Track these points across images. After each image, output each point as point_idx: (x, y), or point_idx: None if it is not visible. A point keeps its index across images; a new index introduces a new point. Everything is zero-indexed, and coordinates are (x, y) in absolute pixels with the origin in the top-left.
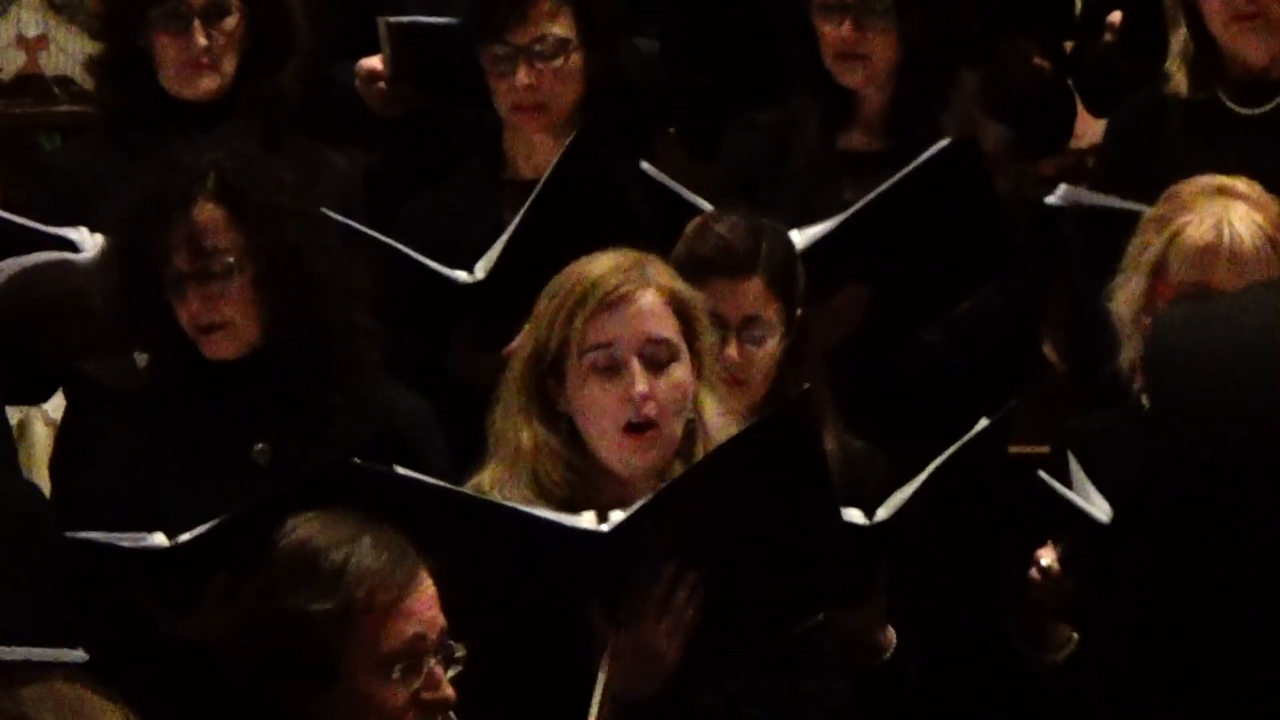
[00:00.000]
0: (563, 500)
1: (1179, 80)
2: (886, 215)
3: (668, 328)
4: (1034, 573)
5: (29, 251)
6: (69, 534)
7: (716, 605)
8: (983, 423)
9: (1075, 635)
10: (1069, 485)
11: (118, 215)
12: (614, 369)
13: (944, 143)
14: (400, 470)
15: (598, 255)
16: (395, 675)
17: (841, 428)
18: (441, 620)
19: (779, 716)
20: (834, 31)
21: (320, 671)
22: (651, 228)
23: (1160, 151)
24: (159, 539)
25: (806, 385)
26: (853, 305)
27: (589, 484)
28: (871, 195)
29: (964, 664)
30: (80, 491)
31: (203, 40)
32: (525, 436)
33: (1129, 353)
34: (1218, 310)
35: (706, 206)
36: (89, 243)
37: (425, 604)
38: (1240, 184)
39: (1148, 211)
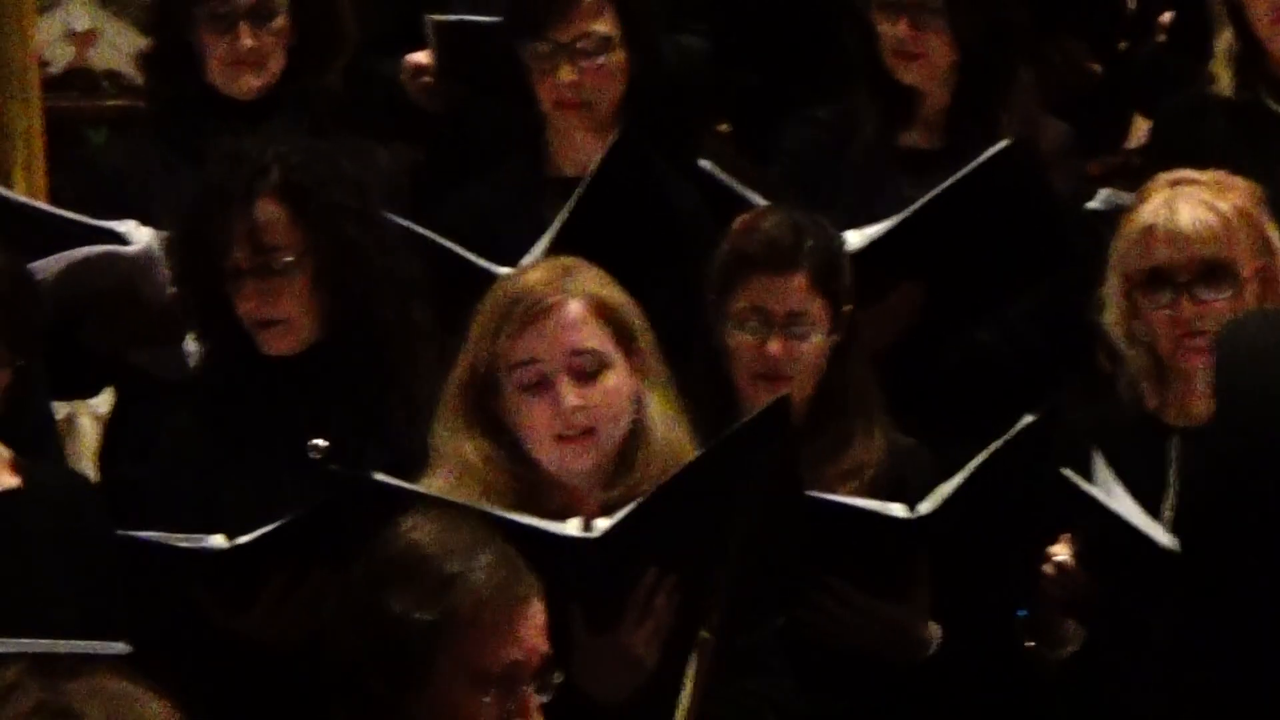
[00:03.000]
0: (511, 508)
1: (1224, 81)
2: (943, 215)
3: (594, 337)
4: (1048, 568)
5: (78, 245)
6: (125, 533)
7: (692, 608)
8: (1027, 419)
9: (1081, 633)
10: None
11: (180, 205)
12: (542, 385)
13: (1002, 143)
14: (380, 476)
15: (526, 267)
16: (488, 696)
17: (890, 425)
18: (544, 647)
19: (726, 713)
20: (891, 29)
21: (412, 675)
22: (697, 225)
23: (1204, 152)
24: (218, 540)
25: (784, 392)
26: (908, 303)
27: (537, 492)
28: (929, 195)
29: (985, 660)
30: (133, 484)
31: (249, 41)
32: (469, 450)
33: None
34: None
35: (762, 203)
36: (137, 235)
37: (530, 630)
38: (1203, 174)
39: None
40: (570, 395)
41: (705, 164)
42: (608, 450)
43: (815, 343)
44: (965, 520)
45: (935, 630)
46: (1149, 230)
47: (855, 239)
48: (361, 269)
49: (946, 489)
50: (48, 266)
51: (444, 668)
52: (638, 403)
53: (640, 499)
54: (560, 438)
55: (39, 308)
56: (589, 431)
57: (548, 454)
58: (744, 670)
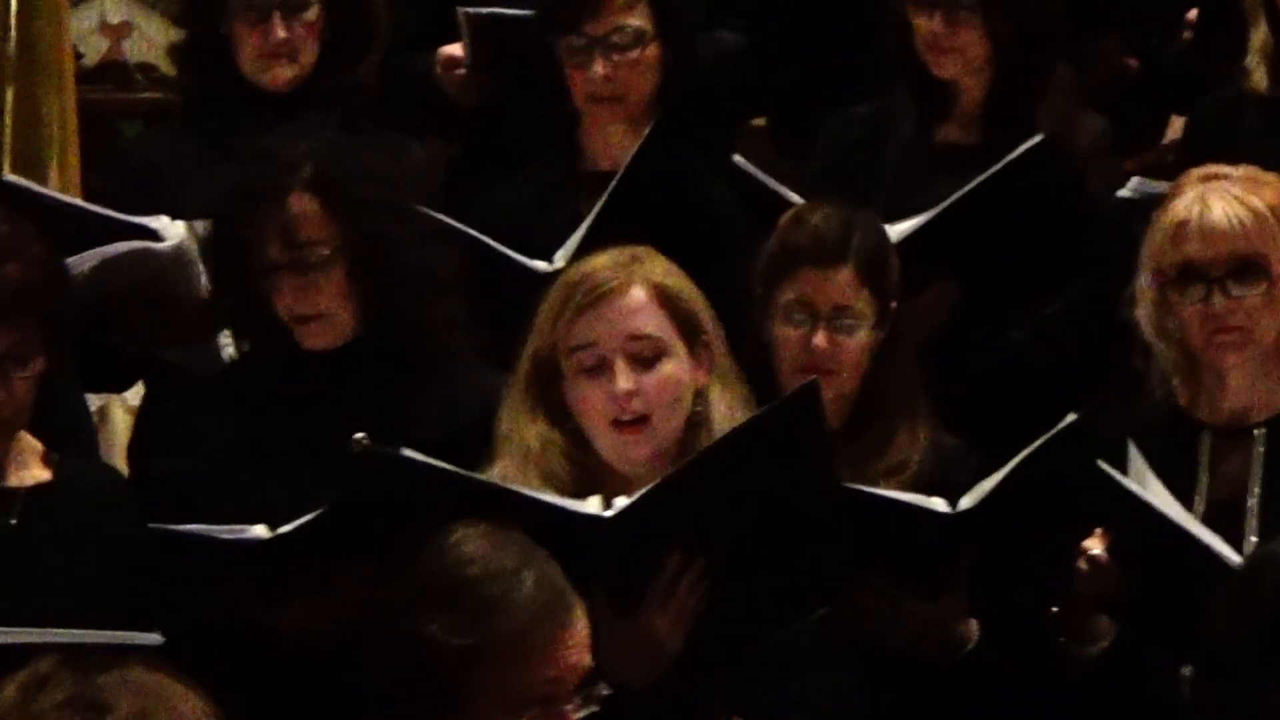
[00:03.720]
0: (570, 494)
1: (1258, 77)
2: (977, 211)
3: (654, 324)
4: (1081, 563)
5: (111, 241)
6: (162, 526)
7: (721, 594)
8: (1069, 418)
9: (1113, 628)
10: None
11: (211, 203)
12: (599, 368)
13: (1035, 139)
14: (408, 452)
15: (595, 253)
16: (526, 718)
17: (935, 423)
18: (586, 662)
19: (783, 708)
20: (926, 24)
21: (448, 698)
22: (732, 220)
23: (1239, 148)
24: (259, 530)
25: (814, 379)
26: (943, 300)
27: (594, 479)
28: (961, 191)
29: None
30: (166, 478)
31: (282, 32)
32: (531, 435)
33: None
34: None
35: (797, 199)
36: (170, 231)
37: (571, 650)
38: (1235, 169)
39: None
40: (624, 379)
41: (740, 160)
42: (664, 441)
43: (861, 338)
44: (1004, 518)
45: (973, 628)
46: (1181, 225)
47: (890, 234)
48: (396, 262)
49: (987, 485)
50: (81, 262)
51: (481, 692)
52: (701, 396)
53: (660, 478)
54: (616, 425)
55: (72, 298)
56: (643, 419)
57: (605, 441)
58: (803, 664)
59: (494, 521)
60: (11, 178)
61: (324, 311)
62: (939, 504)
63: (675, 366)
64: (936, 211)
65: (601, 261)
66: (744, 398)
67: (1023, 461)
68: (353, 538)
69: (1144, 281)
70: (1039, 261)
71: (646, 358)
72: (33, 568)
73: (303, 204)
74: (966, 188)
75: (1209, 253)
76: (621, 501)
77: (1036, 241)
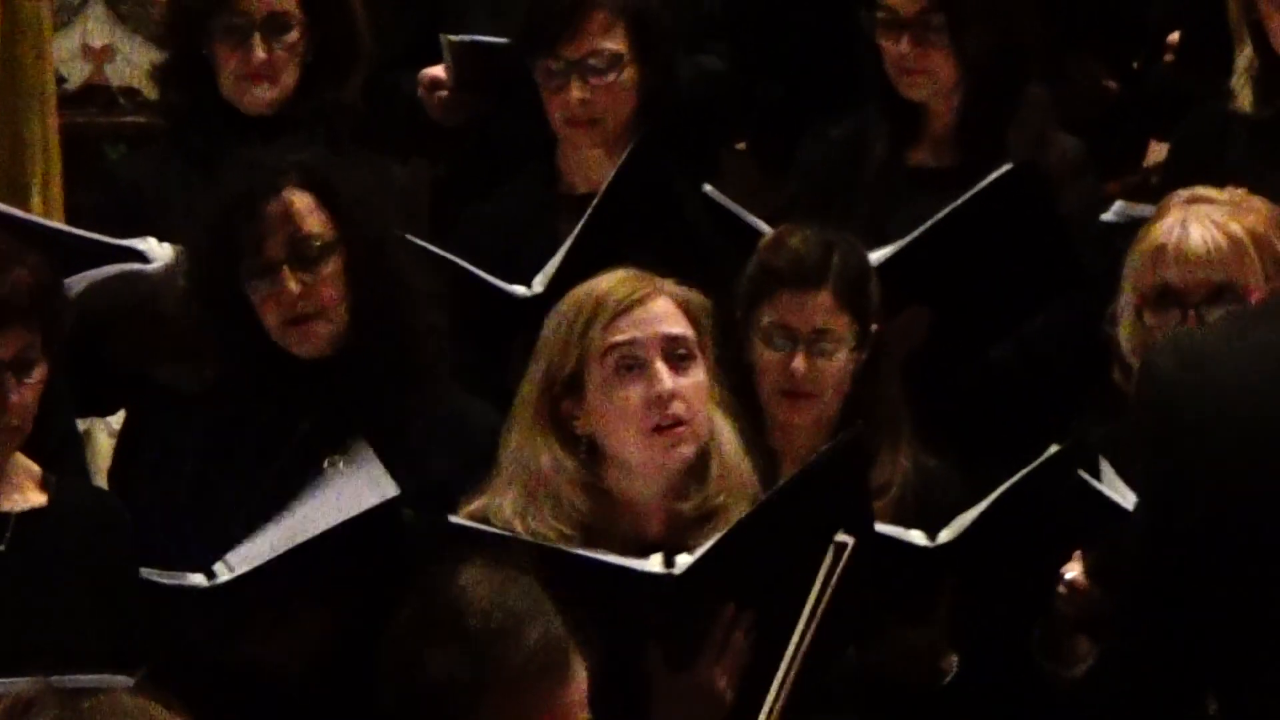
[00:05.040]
0: (583, 527)
1: (1243, 98)
2: (948, 238)
3: (684, 327)
4: (1061, 586)
5: (99, 264)
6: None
7: (766, 645)
8: (1053, 449)
9: (1094, 650)
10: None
11: (202, 214)
12: (638, 368)
13: (1006, 167)
14: (458, 519)
15: (601, 275)
16: None
17: (918, 447)
18: (583, 715)
19: None
20: (894, 47)
21: None
22: (709, 245)
23: (1225, 170)
24: (198, 579)
25: (860, 423)
26: (915, 325)
27: (606, 511)
28: (933, 219)
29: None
30: (143, 502)
31: (262, 53)
32: (545, 460)
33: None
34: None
35: (767, 229)
36: (158, 253)
37: (569, 708)
38: (1221, 192)
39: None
40: (667, 379)
41: (709, 190)
42: (695, 450)
43: (840, 360)
44: (985, 549)
45: (953, 658)
46: (1160, 249)
47: None
48: (388, 263)
49: (967, 518)
50: (71, 287)
51: None
52: (709, 418)
53: (720, 534)
54: (654, 430)
55: (68, 311)
56: (680, 423)
57: (637, 450)
58: (815, 707)
59: (507, 567)
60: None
61: (325, 307)
62: (917, 536)
63: (703, 374)
64: (908, 239)
65: (618, 277)
66: (740, 429)
67: (1004, 494)
68: (300, 586)
69: (1125, 301)
70: (1012, 285)
71: (682, 358)
72: (19, 596)
73: (298, 197)
74: (938, 215)
75: (1186, 278)
76: (685, 559)
77: (1010, 265)
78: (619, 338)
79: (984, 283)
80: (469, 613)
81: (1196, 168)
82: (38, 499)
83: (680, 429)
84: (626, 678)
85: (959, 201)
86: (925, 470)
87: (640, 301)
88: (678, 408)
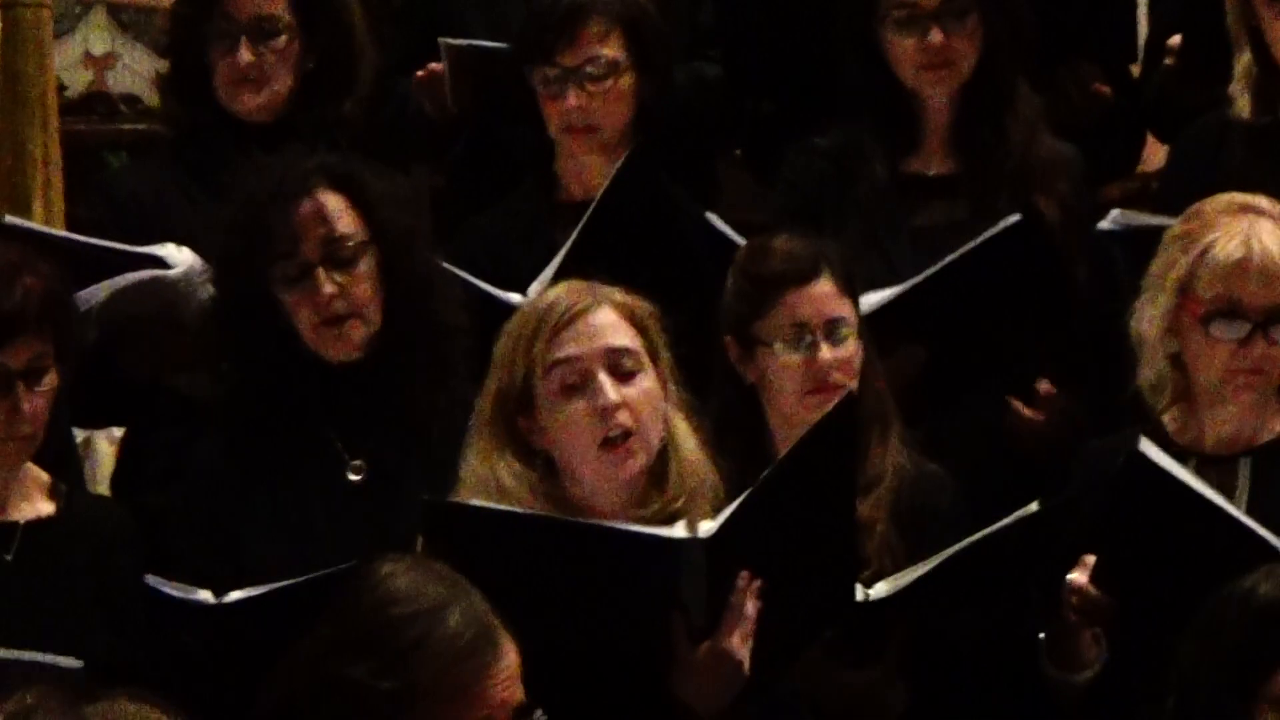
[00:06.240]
0: None
1: (1242, 104)
2: (949, 284)
3: (628, 339)
4: (1067, 592)
5: (122, 271)
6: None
7: (771, 614)
8: (1031, 508)
9: (1102, 656)
10: None
11: (226, 220)
12: (582, 384)
13: (1013, 218)
14: (474, 502)
15: (548, 289)
16: None
17: (911, 443)
18: (517, 696)
19: None
20: (918, 42)
21: None
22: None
23: (1223, 176)
24: (205, 595)
25: (852, 387)
26: (910, 363)
27: (569, 514)
28: (936, 266)
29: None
30: (156, 512)
31: (248, 56)
32: (505, 475)
33: (1149, 372)
34: None
35: None
36: (178, 259)
37: (499, 686)
38: (1263, 201)
39: (1170, 230)
40: (611, 391)
41: (712, 217)
42: (647, 459)
43: (853, 347)
44: (936, 603)
45: (903, 696)
46: (1241, 265)
47: (862, 304)
48: (419, 261)
49: (910, 575)
50: (94, 294)
51: None
52: (666, 422)
53: (741, 498)
54: (602, 445)
55: (81, 321)
56: (628, 435)
57: (589, 465)
58: None
59: (418, 556)
60: (14, 220)
61: (359, 308)
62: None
63: (652, 381)
64: (910, 284)
65: (562, 289)
66: (700, 431)
67: (959, 553)
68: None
69: (1164, 302)
70: (1009, 329)
71: (626, 370)
72: (25, 605)
73: (329, 198)
74: (942, 262)
75: (1265, 293)
76: (709, 525)
77: (1008, 312)
78: (560, 354)
79: (982, 327)
80: (386, 613)
81: (1195, 175)
82: (46, 508)
83: (629, 442)
84: (648, 651)
85: (963, 250)
86: (924, 473)
87: (581, 314)
88: (624, 418)
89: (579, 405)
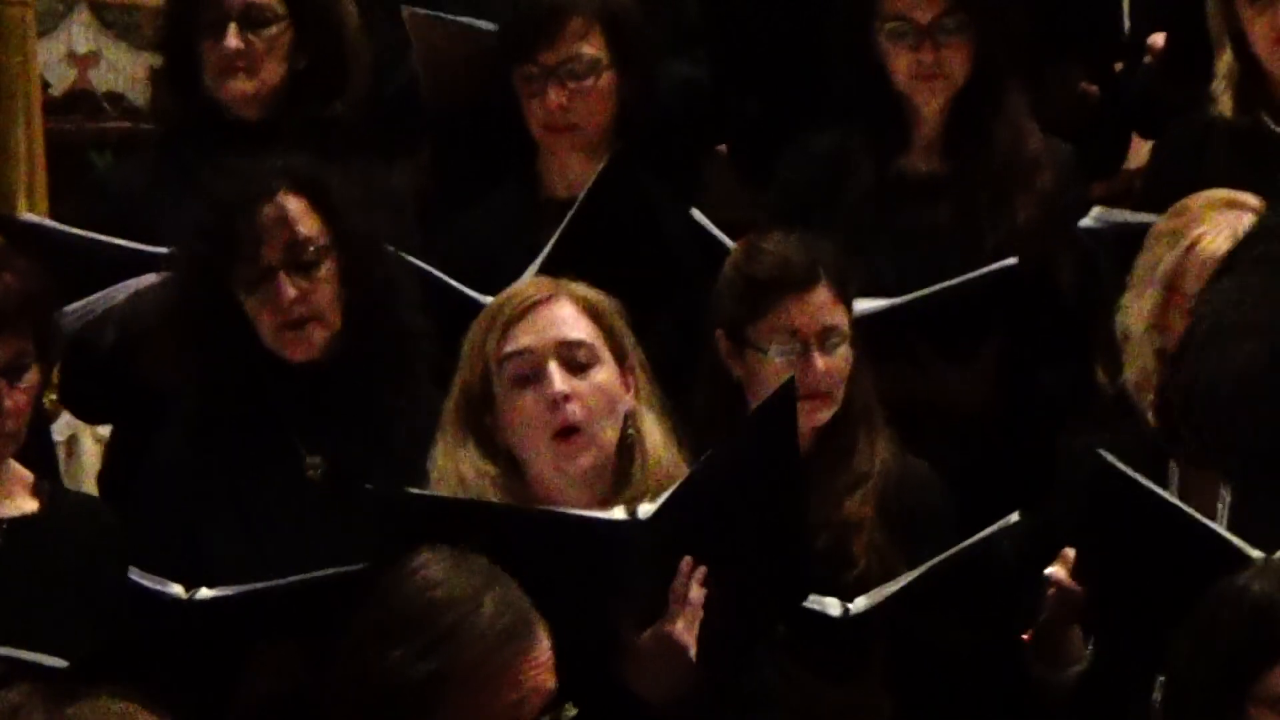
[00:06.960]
0: None
1: (1224, 103)
2: (939, 308)
3: (584, 332)
4: (1049, 588)
5: (142, 273)
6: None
7: (718, 601)
8: (1011, 518)
9: (1087, 651)
10: None
11: (191, 221)
12: (533, 376)
13: (1008, 262)
14: (417, 491)
15: (514, 285)
16: None
17: (898, 444)
18: (550, 684)
19: None
20: (911, 54)
21: None
22: (685, 254)
23: (1205, 174)
24: (176, 589)
25: (790, 376)
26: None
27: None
28: (925, 291)
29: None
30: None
31: (237, 42)
32: (466, 468)
33: (1135, 368)
34: None
35: None
36: None
37: (535, 671)
38: (1249, 197)
39: (1156, 226)
40: (559, 382)
41: (696, 214)
42: (601, 453)
43: (844, 355)
44: (917, 616)
45: (888, 710)
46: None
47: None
48: (380, 265)
49: (890, 588)
50: (112, 295)
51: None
52: (633, 419)
53: (680, 482)
54: (556, 438)
55: (60, 318)
56: (578, 429)
57: (543, 457)
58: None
59: (457, 547)
60: (32, 217)
61: (321, 312)
62: (833, 605)
63: (607, 376)
64: (900, 300)
65: (521, 284)
66: (671, 429)
67: (935, 566)
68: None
69: (1150, 297)
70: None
71: (579, 363)
72: (8, 603)
73: (292, 202)
74: (931, 289)
75: None
76: (648, 507)
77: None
78: (512, 346)
79: (968, 349)
80: (422, 599)
81: (1178, 173)
82: (30, 506)
83: (578, 437)
84: (593, 638)
85: (956, 281)
86: (911, 471)
87: (535, 307)
88: (572, 410)
89: (529, 397)
